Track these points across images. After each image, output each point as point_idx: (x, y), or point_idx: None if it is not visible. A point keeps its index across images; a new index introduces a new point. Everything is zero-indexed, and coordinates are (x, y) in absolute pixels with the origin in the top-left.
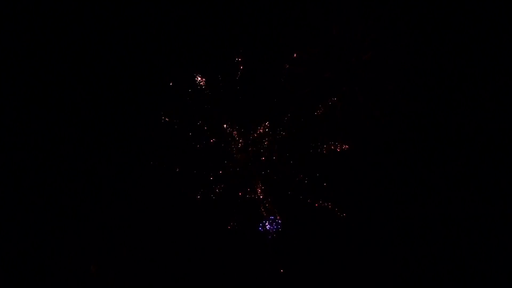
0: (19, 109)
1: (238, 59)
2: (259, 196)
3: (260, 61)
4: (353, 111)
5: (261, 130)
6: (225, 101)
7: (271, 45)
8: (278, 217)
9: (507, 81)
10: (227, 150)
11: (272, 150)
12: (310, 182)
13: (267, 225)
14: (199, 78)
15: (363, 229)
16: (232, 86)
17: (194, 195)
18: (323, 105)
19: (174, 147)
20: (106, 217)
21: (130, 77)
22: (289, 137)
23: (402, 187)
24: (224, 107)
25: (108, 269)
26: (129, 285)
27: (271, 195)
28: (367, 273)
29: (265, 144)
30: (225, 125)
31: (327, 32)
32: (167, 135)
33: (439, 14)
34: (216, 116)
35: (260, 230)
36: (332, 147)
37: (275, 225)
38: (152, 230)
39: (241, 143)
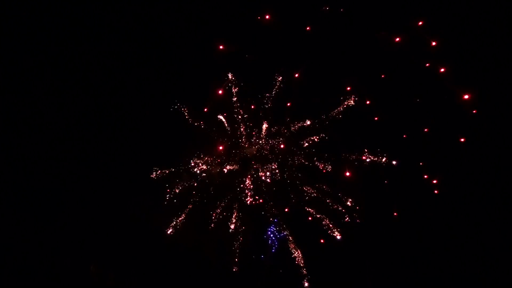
0: (19, 109)
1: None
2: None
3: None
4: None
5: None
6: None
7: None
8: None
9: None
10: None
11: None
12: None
13: (270, 233)
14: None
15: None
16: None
17: (195, 195)
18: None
19: (175, 148)
20: (106, 217)
21: (132, 77)
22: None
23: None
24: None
25: (108, 269)
26: (129, 285)
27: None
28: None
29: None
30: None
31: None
32: (168, 135)
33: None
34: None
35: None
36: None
37: (277, 233)
38: (152, 230)
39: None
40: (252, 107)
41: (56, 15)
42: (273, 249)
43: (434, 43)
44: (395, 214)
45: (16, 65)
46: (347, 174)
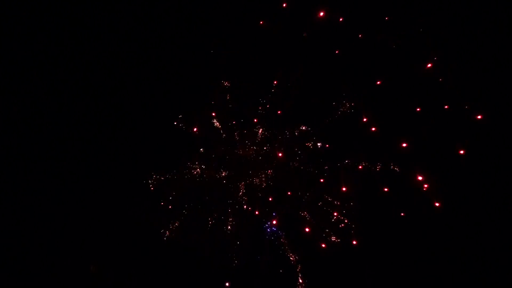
0: (19, 110)
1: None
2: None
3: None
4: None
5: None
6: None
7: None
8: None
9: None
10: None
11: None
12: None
13: (267, 229)
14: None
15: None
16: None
17: (195, 195)
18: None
19: (175, 148)
20: (106, 217)
21: (133, 79)
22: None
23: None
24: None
25: (108, 269)
26: (129, 285)
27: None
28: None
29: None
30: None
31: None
32: (168, 136)
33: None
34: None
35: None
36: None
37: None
38: (151, 231)
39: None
40: (248, 113)
41: (56, 15)
42: (269, 248)
43: (435, 58)
44: (393, 219)
45: (15, 65)
46: (343, 182)
